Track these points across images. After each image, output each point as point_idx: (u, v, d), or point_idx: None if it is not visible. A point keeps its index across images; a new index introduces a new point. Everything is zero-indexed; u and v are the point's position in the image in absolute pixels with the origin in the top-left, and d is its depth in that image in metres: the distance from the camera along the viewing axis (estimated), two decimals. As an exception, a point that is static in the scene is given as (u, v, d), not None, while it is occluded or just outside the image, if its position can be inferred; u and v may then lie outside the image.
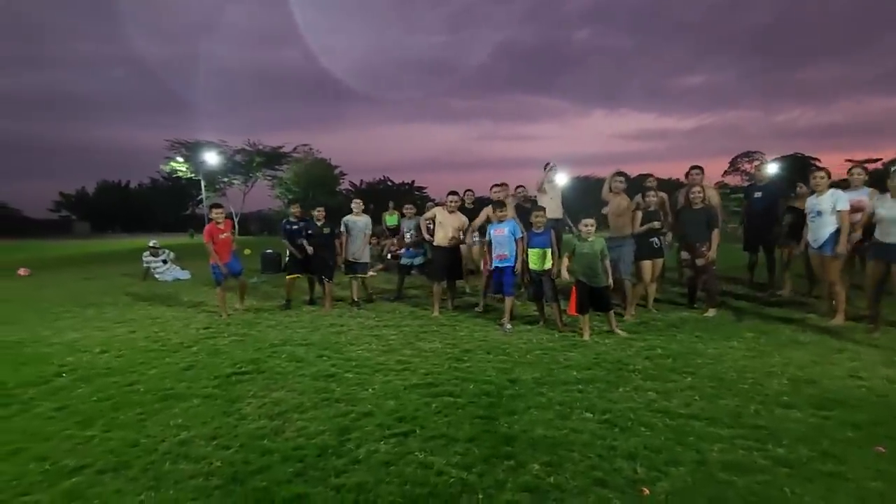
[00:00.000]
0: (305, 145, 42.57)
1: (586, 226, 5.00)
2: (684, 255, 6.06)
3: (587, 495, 2.24)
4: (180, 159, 37.58)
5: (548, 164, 7.27)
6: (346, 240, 6.97)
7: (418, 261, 7.49)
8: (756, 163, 43.10)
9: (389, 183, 48.73)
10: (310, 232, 6.81)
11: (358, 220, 7.31)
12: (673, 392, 3.43)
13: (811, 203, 5.25)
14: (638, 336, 4.92)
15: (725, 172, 48.70)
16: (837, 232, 5.01)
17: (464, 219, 6.44)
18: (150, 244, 11.04)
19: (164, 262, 10.75)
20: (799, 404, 3.17)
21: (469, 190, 8.01)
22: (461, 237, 6.40)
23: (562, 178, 7.30)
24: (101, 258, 16.93)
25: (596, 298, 4.98)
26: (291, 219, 7.09)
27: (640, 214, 5.78)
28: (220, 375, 4.04)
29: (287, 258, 7.30)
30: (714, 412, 3.08)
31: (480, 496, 2.27)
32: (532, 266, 5.38)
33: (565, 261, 5.11)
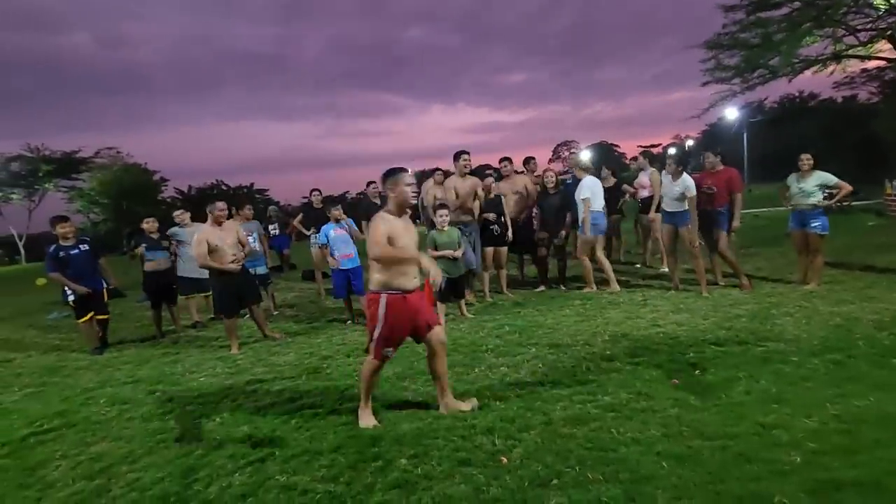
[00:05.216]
0: (111, 148, 36.58)
1: (441, 216, 5.02)
2: (542, 234, 6.43)
3: (453, 477, 2.33)
4: (-75, 172, 29.16)
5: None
6: (176, 254, 6.33)
7: (262, 269, 6.39)
8: (571, 151, 50.24)
9: (224, 187, 44.22)
10: (144, 245, 5.98)
11: (191, 231, 6.52)
12: (521, 364, 3.77)
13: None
14: (489, 317, 5.29)
15: (550, 160, 55.71)
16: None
17: (238, 232, 5.16)
18: None
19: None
20: (618, 356, 3.74)
21: (316, 189, 7.75)
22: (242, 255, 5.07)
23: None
24: None
25: (456, 287, 5.21)
26: (63, 243, 5.19)
27: (478, 203, 6.13)
28: (9, 441, 3.24)
29: (71, 296, 5.42)
30: (555, 375, 3.46)
31: (350, 505, 2.21)
32: None
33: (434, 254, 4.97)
